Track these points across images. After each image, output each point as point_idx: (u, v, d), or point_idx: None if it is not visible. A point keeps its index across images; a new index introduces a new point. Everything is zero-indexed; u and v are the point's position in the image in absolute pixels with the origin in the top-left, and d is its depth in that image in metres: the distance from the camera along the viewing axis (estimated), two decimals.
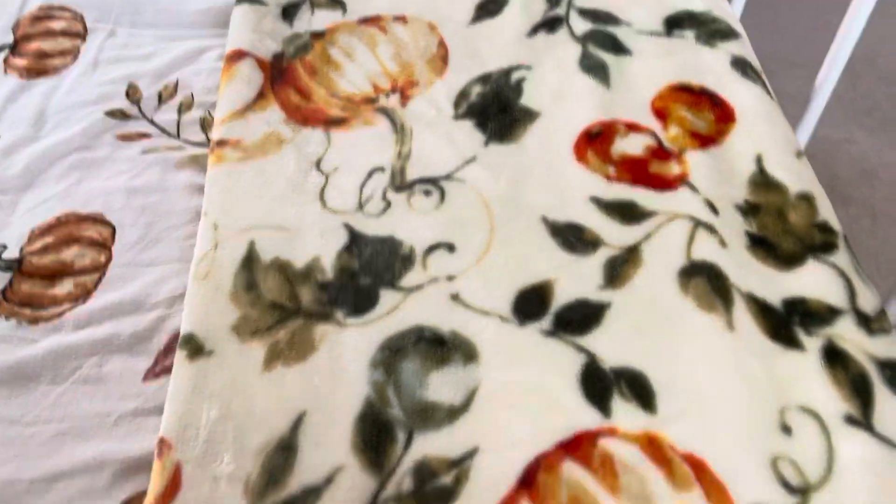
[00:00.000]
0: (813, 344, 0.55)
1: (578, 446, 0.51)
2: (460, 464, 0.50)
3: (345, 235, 0.63)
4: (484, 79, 0.75)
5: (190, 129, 0.77)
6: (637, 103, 0.72)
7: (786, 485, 0.49)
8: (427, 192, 0.66)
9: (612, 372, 0.54)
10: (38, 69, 0.83)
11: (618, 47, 0.76)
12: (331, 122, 0.72)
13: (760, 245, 0.61)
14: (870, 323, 0.56)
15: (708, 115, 0.70)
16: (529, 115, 0.71)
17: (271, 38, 0.78)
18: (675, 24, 0.78)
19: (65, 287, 0.65)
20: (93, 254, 0.68)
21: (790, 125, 0.71)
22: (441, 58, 0.77)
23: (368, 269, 0.60)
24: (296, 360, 0.55)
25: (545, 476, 0.49)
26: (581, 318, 0.57)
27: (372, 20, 0.81)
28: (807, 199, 0.64)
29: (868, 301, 0.58)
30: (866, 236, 1.46)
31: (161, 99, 0.80)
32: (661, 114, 0.71)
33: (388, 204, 0.65)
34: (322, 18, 0.81)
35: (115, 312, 0.64)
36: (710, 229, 0.61)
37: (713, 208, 0.63)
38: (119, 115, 0.78)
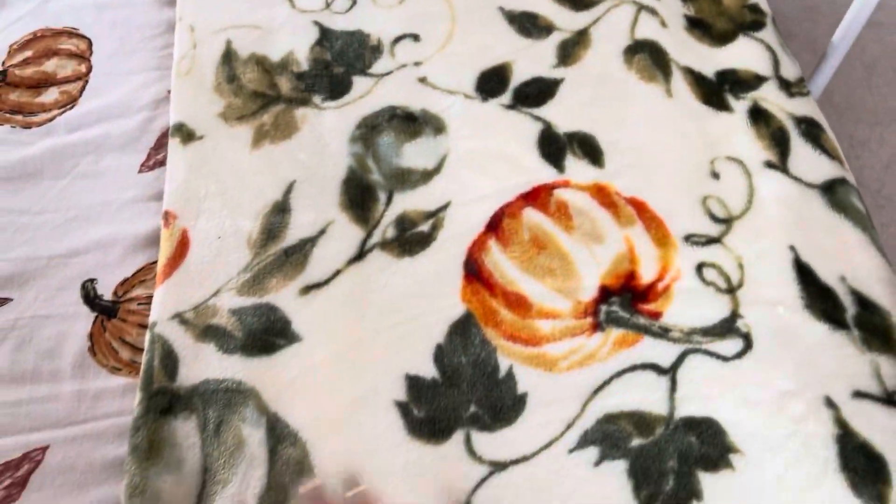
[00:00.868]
0: (740, 106, 0.63)
1: (537, 196, 0.58)
2: (436, 214, 0.57)
3: (315, 31, 0.67)
4: None
5: None
6: None
7: (713, 217, 0.57)
8: None
9: (566, 136, 0.61)
10: None
11: None
12: None
13: (697, 26, 0.67)
14: (790, 87, 0.64)
15: None
16: None
17: None
18: None
19: (51, 95, 0.69)
20: (73, 64, 0.71)
21: None
22: None
23: (340, 59, 0.65)
24: (281, 139, 0.61)
25: (509, 221, 0.57)
26: (537, 93, 0.63)
27: None
28: None
29: (790, 70, 0.65)
30: (807, 68, 1.54)
31: None
32: None
33: (354, 2, 0.69)
34: None
35: (104, 116, 0.68)
36: (653, 12, 0.67)
37: None
38: None
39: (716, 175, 0.59)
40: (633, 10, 0.67)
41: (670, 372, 0.51)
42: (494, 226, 0.57)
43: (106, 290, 0.59)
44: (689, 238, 0.56)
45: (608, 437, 0.49)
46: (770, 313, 0.53)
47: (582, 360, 0.51)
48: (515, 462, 0.48)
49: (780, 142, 0.61)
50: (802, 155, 0.60)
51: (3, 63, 0.70)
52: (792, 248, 0.56)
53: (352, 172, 0.59)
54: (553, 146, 0.60)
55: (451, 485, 0.47)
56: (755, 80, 0.64)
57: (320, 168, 0.59)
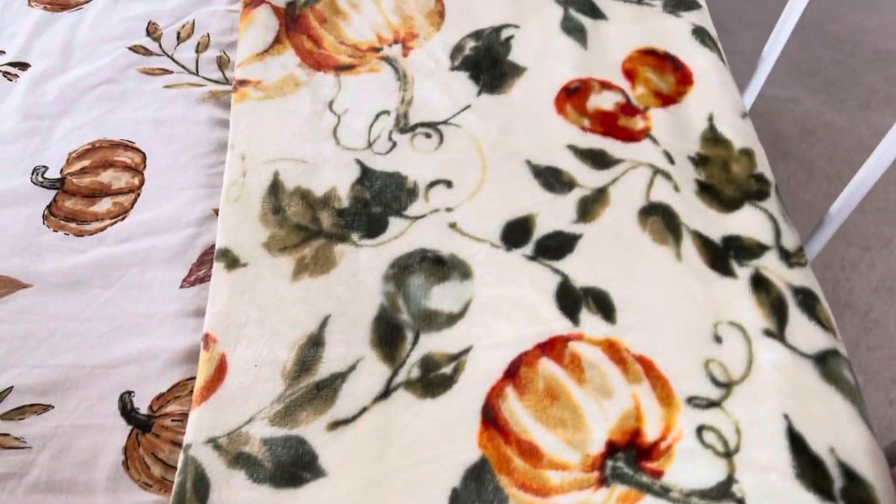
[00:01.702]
0: (743, 273, 0.68)
1: (553, 347, 0.63)
2: (458, 358, 0.62)
3: (357, 170, 0.73)
4: (477, 34, 0.84)
5: (208, 67, 0.85)
6: (610, 64, 0.82)
7: (714, 381, 0.62)
8: (427, 135, 0.76)
9: (582, 290, 0.66)
10: (62, 3, 0.89)
11: (595, 12, 0.86)
12: (340, 68, 0.80)
13: (707, 191, 0.73)
14: (790, 257, 0.69)
15: (670, 78, 0.81)
16: (516, 70, 0.81)
17: None
18: None
19: (104, 205, 0.74)
20: (127, 177, 0.76)
21: (741, 83, 0.82)
22: (438, 13, 0.86)
23: (379, 199, 0.70)
24: (320, 273, 0.66)
25: (526, 369, 0.61)
26: (557, 246, 0.68)
27: None
28: (747, 154, 0.76)
29: (790, 240, 0.71)
30: (802, 189, 1.61)
31: (179, 38, 0.87)
32: (629, 74, 0.81)
33: (394, 144, 0.75)
34: None
35: (152, 229, 0.73)
36: (667, 176, 0.73)
37: (670, 158, 0.74)
38: (141, 50, 0.85)
39: (718, 339, 0.64)
40: (649, 173, 0.73)
41: None
42: (512, 373, 0.61)
43: (142, 404, 0.62)
44: (691, 400, 0.60)
45: None
46: (764, 480, 0.57)
47: None
48: None
49: (778, 311, 0.66)
50: (799, 325, 0.65)
51: (62, 170, 0.76)
52: (786, 417, 0.60)
53: (383, 310, 0.64)
54: (569, 299, 0.65)
55: None
56: (758, 249, 0.69)
57: (354, 304, 0.64)
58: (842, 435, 0.60)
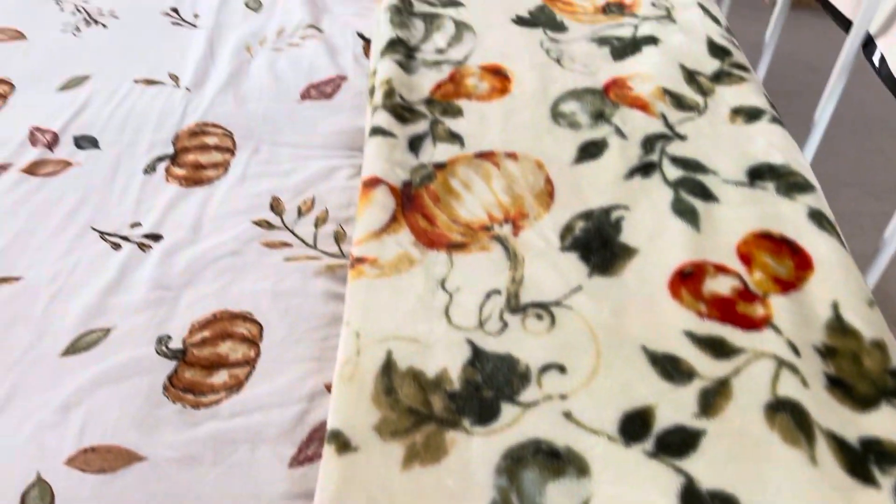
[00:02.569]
0: (887, 482, 0.62)
1: None
2: None
3: (468, 351, 0.72)
4: (586, 215, 0.85)
5: (325, 241, 0.89)
6: (724, 247, 0.81)
7: None
8: (539, 316, 0.75)
9: (709, 494, 0.61)
10: (195, 179, 0.96)
11: (706, 194, 0.86)
12: (452, 246, 0.82)
13: (838, 386, 0.69)
14: None
15: (788, 262, 0.79)
16: (628, 252, 0.81)
17: (401, 167, 0.90)
18: (756, 175, 0.89)
19: (221, 377, 0.76)
20: (244, 349, 0.78)
21: (858, 267, 0.79)
22: (548, 193, 0.88)
23: (490, 383, 0.69)
24: (430, 462, 0.64)
25: None
26: (679, 443, 0.65)
27: (486, 155, 0.93)
28: (879, 347, 0.72)
29: None
30: None
31: (300, 212, 0.92)
32: (745, 258, 0.80)
33: (505, 324, 0.75)
34: (443, 151, 0.93)
35: (264, 404, 0.73)
36: (793, 369, 0.69)
37: (795, 350, 0.71)
38: (265, 224, 0.90)
39: None
40: (773, 365, 0.70)
41: None
42: None
43: None
44: None
45: None
46: None
47: None
48: None
49: None
50: None
51: (185, 340, 0.79)
52: None
53: None
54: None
55: None
56: None
57: (464, 498, 0.62)
58: None
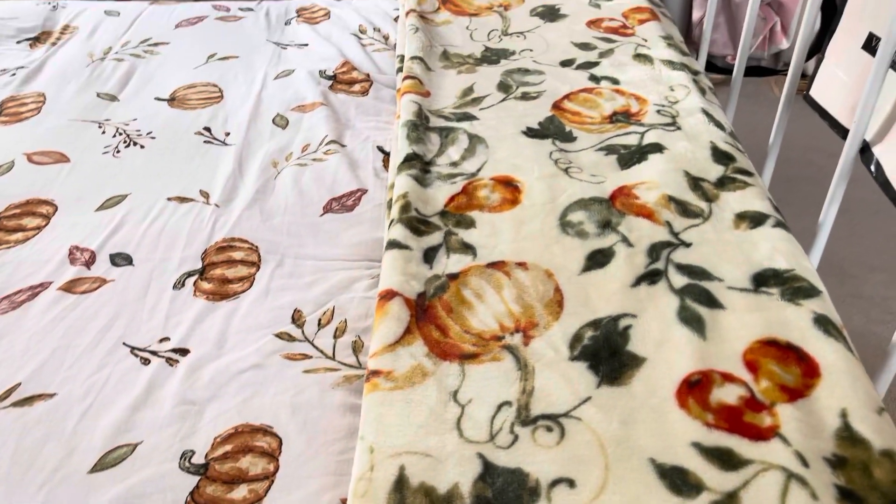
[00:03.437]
0: None
1: None
2: None
3: (479, 465, 0.74)
4: (595, 324, 0.88)
5: (343, 352, 0.92)
6: (730, 355, 0.83)
7: None
8: (549, 429, 0.77)
9: None
10: (222, 293, 1.01)
11: (711, 301, 0.88)
12: (465, 357, 0.85)
13: (849, 498, 0.69)
14: None
15: (795, 370, 0.80)
16: (636, 361, 0.83)
17: (415, 279, 0.94)
18: (761, 281, 0.91)
19: (240, 492, 0.78)
20: (263, 463, 0.81)
21: (872, 338, 0.80)
22: (557, 302, 0.91)
23: (501, 499, 0.71)
24: None
25: None
26: None
27: (498, 265, 0.96)
28: (889, 457, 0.72)
29: None
30: None
31: (320, 324, 0.96)
32: (752, 366, 0.81)
33: (516, 437, 0.76)
34: (456, 261, 0.97)
35: None
36: (802, 481, 0.70)
37: (804, 461, 0.71)
38: (286, 337, 0.94)
39: None
40: (782, 477, 0.70)
41: None
42: None
43: None
44: None
45: None
46: None
47: None
48: None
49: None
50: None
51: (207, 455, 0.81)
52: None
53: None
54: None
55: None
56: None
57: None
58: None
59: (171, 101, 1.41)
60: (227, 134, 1.33)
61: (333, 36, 1.62)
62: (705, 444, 0.74)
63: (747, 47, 1.46)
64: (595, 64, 1.37)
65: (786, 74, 1.28)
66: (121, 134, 1.33)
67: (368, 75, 1.47)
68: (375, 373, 0.83)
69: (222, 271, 1.04)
